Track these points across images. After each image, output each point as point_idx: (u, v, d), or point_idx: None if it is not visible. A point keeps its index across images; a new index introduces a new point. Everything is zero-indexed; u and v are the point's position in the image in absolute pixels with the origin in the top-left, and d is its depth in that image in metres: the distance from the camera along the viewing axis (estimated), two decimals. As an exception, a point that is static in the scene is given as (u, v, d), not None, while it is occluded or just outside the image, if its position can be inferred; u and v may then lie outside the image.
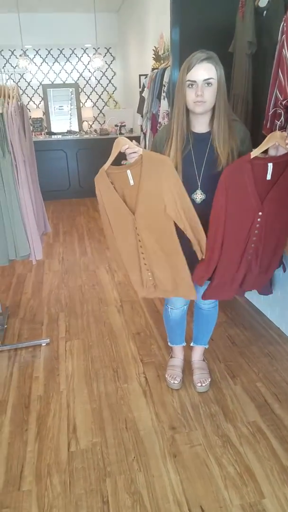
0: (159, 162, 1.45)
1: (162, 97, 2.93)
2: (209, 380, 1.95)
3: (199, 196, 1.54)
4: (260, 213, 1.49)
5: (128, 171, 1.48)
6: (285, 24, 1.69)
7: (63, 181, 5.86)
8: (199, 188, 1.54)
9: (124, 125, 6.09)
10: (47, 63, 7.01)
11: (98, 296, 2.95)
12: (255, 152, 1.40)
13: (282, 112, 1.72)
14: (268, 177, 1.44)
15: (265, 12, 1.97)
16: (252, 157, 1.41)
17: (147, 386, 1.98)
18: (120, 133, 6.05)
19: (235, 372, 2.06)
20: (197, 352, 2.04)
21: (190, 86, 1.40)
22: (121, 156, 1.50)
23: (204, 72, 1.38)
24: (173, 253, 1.57)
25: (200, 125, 1.51)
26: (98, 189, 1.56)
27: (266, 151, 1.43)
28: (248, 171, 1.42)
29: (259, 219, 1.50)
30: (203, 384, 1.92)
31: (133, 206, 1.52)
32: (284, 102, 1.68)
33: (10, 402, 1.89)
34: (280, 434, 1.67)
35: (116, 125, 6.09)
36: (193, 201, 1.53)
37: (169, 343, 2.04)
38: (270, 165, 1.43)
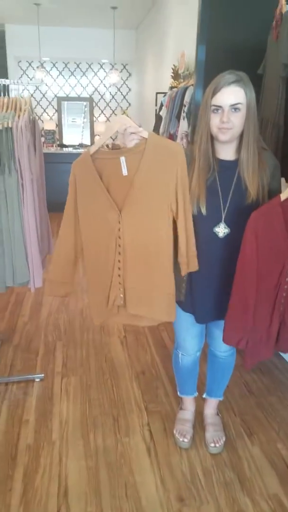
0: (170, 151, 1.20)
1: (182, 117, 2.77)
2: (224, 439, 1.71)
3: (222, 230, 1.35)
4: None
5: (122, 158, 1.21)
6: None
7: (72, 194, 5.70)
8: (223, 221, 1.35)
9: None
10: (63, 76, 6.97)
11: (100, 325, 2.72)
12: (285, 194, 1.21)
13: None
14: None
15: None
16: (282, 199, 1.22)
17: (152, 441, 1.73)
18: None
19: (252, 429, 1.81)
20: (211, 405, 1.80)
21: (215, 111, 1.24)
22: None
23: (231, 97, 1.21)
24: (162, 265, 1.30)
25: (226, 153, 1.33)
26: (73, 175, 1.29)
27: None
28: (278, 214, 1.24)
29: None
30: (217, 445, 1.68)
31: (121, 201, 1.25)
32: None
33: (-6, 452, 1.65)
34: (307, 514, 1.42)
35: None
36: (215, 235, 1.35)
37: (178, 393, 1.80)
38: None
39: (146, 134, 1.21)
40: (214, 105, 1.24)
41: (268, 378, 2.16)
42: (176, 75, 3.67)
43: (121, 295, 1.36)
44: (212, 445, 1.68)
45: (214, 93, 1.23)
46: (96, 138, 6.93)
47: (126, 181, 1.23)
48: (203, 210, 1.32)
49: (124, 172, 1.23)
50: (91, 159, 1.24)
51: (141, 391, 2.04)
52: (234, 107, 1.23)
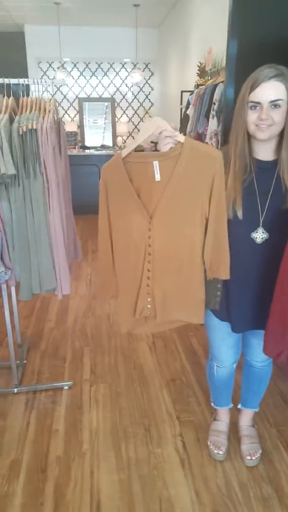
0: (208, 156, 1.14)
1: (211, 115, 2.68)
2: (260, 451, 1.63)
3: (260, 235, 1.27)
4: None
5: (156, 163, 1.15)
6: None
7: (94, 196, 5.68)
8: (261, 226, 1.26)
9: (159, 142, 5.89)
10: (84, 76, 6.96)
11: (127, 329, 2.68)
12: None
13: None
14: None
15: None
16: None
17: (185, 453, 1.67)
18: (156, 150, 5.84)
19: (289, 442, 1.73)
20: (246, 417, 1.72)
21: (253, 107, 1.16)
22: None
23: (271, 92, 1.13)
24: (193, 274, 1.24)
25: (265, 152, 1.25)
26: (103, 180, 1.23)
27: None
28: None
29: None
30: (253, 457, 1.60)
31: (152, 207, 1.19)
32: None
33: (24, 463, 1.62)
34: None
35: (152, 142, 5.90)
36: (252, 240, 1.27)
37: (212, 404, 1.73)
38: None
39: (182, 139, 1.15)
40: (252, 101, 1.16)
41: (305, 388, 2.07)
42: (202, 73, 3.59)
43: (149, 306, 1.30)
44: (248, 457, 1.60)
45: (252, 88, 1.15)
46: (118, 139, 6.90)
47: (159, 187, 1.18)
48: (239, 214, 1.24)
49: (157, 177, 1.17)
50: (123, 162, 1.19)
51: (172, 399, 1.98)
52: (274, 103, 1.14)
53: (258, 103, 1.16)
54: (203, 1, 3.98)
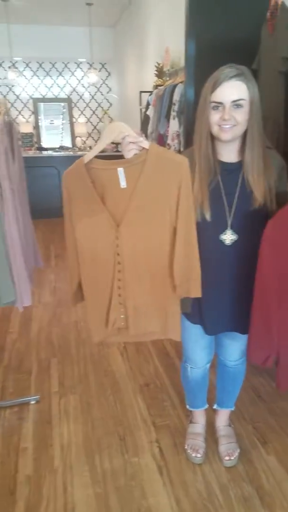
0: (173, 163, 1.11)
1: (171, 116, 2.67)
2: (238, 451, 1.62)
3: (229, 236, 1.26)
4: None
5: (121, 169, 1.11)
6: None
7: (54, 199, 5.51)
8: (229, 228, 1.25)
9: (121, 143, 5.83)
10: (37, 76, 6.75)
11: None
12: None
13: None
14: None
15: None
16: None
17: (163, 459, 1.63)
18: (117, 151, 5.79)
19: (266, 437, 1.73)
20: (223, 416, 1.71)
21: (215, 108, 1.15)
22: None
23: (233, 92, 1.12)
24: (166, 283, 1.21)
25: (229, 154, 1.24)
26: (66, 188, 1.18)
27: None
28: None
29: None
30: (232, 458, 1.59)
31: (119, 215, 1.16)
32: None
33: (-8, 487, 1.51)
34: None
35: (113, 143, 5.83)
36: (221, 242, 1.26)
37: (187, 407, 1.71)
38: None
39: (147, 145, 1.11)
40: (214, 102, 1.15)
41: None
42: (160, 73, 3.57)
43: (122, 316, 1.26)
44: (227, 458, 1.59)
45: (214, 88, 1.14)
46: (78, 140, 6.76)
47: (125, 194, 1.14)
48: (207, 216, 1.23)
49: (123, 184, 1.13)
50: (85, 169, 1.13)
51: (147, 405, 1.93)
52: (236, 103, 1.14)
53: (220, 103, 1.14)
54: (158, 0, 3.97)
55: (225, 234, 1.26)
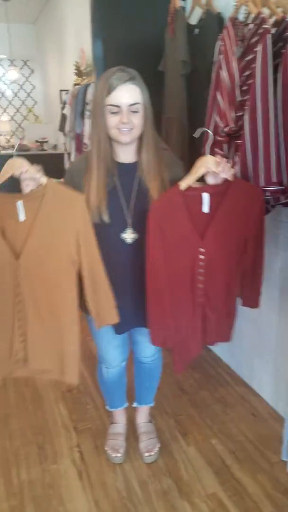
0: (69, 199, 1.18)
1: (86, 116, 2.65)
2: (158, 446, 1.67)
3: (130, 235, 1.30)
4: (201, 249, 1.29)
5: (19, 202, 1.15)
6: (222, 44, 1.52)
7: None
8: (129, 226, 1.29)
9: (47, 141, 5.68)
10: None
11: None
12: (186, 182, 1.21)
13: (224, 140, 1.53)
14: (205, 209, 1.26)
15: (197, 29, 1.81)
16: (182, 188, 1.21)
17: (83, 463, 1.63)
18: (43, 150, 5.63)
19: (186, 429, 1.80)
20: (142, 413, 1.74)
21: (112, 111, 1.17)
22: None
23: (129, 96, 1.16)
24: (67, 316, 1.26)
25: (126, 155, 1.28)
26: None
27: (202, 180, 1.24)
28: (179, 204, 1.23)
29: (201, 256, 1.30)
30: (152, 453, 1.63)
31: (18, 247, 1.19)
32: (226, 129, 1.49)
33: None
34: (245, 506, 1.44)
35: (38, 141, 5.66)
36: (123, 241, 1.29)
37: (107, 407, 1.72)
38: (205, 196, 1.24)
39: (44, 181, 1.16)
40: (111, 105, 1.16)
41: (198, 373, 2.18)
42: (79, 72, 3.54)
43: (22, 350, 1.27)
44: (147, 454, 1.63)
45: (109, 91, 1.16)
46: (1, 138, 6.46)
47: (24, 227, 1.17)
48: (105, 218, 1.25)
49: (21, 217, 1.17)
50: None
51: (68, 410, 1.91)
52: (132, 107, 1.17)
53: (118, 106, 1.16)
54: (74, -1, 3.92)
55: (125, 233, 1.29)
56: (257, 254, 1.36)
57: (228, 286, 1.39)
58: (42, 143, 5.62)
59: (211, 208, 1.26)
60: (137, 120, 1.19)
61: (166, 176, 1.28)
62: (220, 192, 1.25)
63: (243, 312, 2.00)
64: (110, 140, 1.23)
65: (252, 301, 1.47)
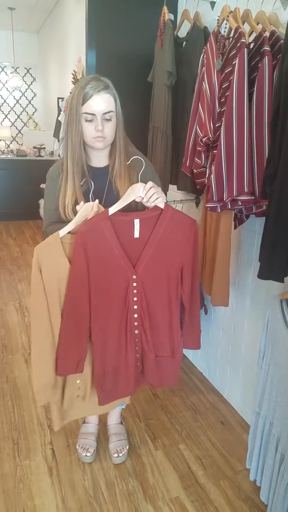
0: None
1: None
2: (127, 447, 1.68)
3: None
4: (134, 277, 1.26)
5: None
6: (205, 57, 1.59)
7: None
8: None
9: (44, 148, 5.76)
10: None
11: (1, 341, 2.52)
12: (114, 208, 1.21)
13: (202, 150, 1.59)
14: (136, 235, 1.23)
15: (184, 42, 1.88)
16: (110, 213, 1.20)
17: (54, 460, 1.64)
18: (40, 156, 5.70)
19: (156, 433, 1.81)
20: (114, 415, 1.76)
21: (88, 119, 1.23)
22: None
23: (104, 104, 1.22)
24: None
25: (98, 160, 1.35)
26: (36, 260, 1.24)
27: None
28: (108, 229, 1.20)
29: (134, 284, 1.26)
30: (120, 454, 1.64)
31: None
32: (204, 139, 1.55)
33: None
34: None
35: (35, 147, 5.74)
36: None
37: (79, 407, 1.73)
38: (136, 222, 1.22)
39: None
40: (87, 113, 1.22)
41: (173, 380, 2.19)
42: (76, 80, 3.62)
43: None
44: (116, 455, 1.64)
45: (84, 100, 1.21)
46: (1, 143, 6.53)
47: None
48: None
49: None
50: (60, 242, 1.24)
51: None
52: (106, 116, 1.23)
53: (93, 114, 1.22)
54: (77, 9, 4.03)
55: None
56: (194, 284, 1.32)
57: (168, 320, 1.33)
58: (39, 149, 5.70)
59: (144, 235, 1.23)
60: (110, 129, 1.25)
61: (134, 178, 1.32)
62: (152, 218, 1.23)
63: (217, 319, 2.04)
64: (84, 145, 1.29)
65: (193, 341, 1.42)
